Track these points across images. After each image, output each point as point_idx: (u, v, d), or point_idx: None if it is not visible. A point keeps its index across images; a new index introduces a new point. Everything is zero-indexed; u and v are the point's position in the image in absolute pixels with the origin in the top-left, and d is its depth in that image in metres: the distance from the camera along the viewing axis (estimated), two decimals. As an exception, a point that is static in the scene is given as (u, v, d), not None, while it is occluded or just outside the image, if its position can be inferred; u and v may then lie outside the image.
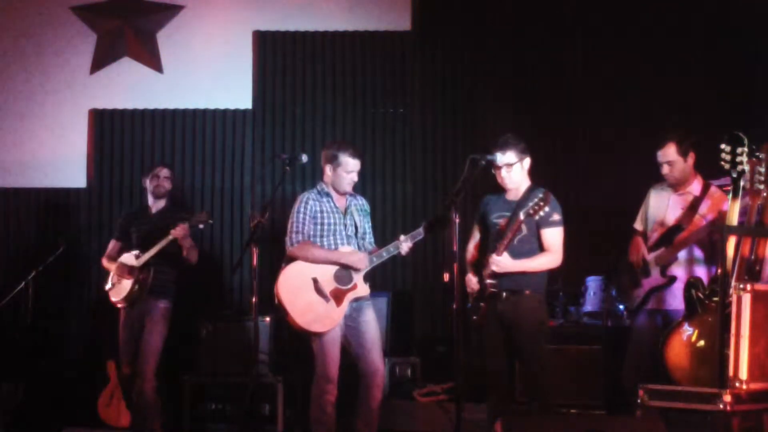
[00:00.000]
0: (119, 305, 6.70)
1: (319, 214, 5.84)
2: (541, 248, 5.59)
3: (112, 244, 6.97)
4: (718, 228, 5.27)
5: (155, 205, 6.92)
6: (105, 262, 6.93)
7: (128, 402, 6.96)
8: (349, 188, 5.91)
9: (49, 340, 8.18)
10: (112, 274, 6.76)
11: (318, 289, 5.73)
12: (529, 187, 5.63)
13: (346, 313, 5.78)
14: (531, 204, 5.35)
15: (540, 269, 5.58)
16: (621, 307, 6.78)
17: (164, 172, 6.92)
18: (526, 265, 5.50)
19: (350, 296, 5.78)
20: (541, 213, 5.35)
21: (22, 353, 7.66)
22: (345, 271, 5.79)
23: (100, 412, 7.34)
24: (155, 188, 6.88)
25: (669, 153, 5.70)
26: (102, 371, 7.42)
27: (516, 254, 5.49)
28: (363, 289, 5.83)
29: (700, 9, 7.80)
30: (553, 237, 5.56)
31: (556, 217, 5.54)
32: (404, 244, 5.80)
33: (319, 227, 5.84)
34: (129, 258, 6.67)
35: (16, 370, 7.66)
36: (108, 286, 6.76)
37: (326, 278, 5.75)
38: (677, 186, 5.77)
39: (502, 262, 5.44)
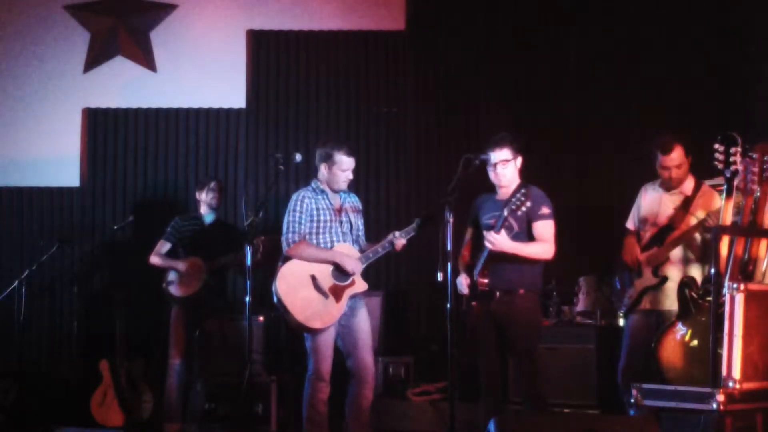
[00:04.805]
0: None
1: (315, 212, 5.83)
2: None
3: (161, 244, 7.17)
4: (708, 228, 5.28)
5: (208, 216, 7.22)
6: (158, 260, 7.12)
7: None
8: (344, 186, 5.91)
9: (42, 339, 8.17)
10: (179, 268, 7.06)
11: (317, 286, 5.72)
12: (518, 185, 5.62)
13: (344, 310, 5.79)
14: (513, 200, 5.38)
15: (533, 256, 5.55)
16: (615, 306, 6.78)
17: (217, 185, 7.25)
18: (520, 248, 5.48)
19: (349, 292, 5.78)
20: (523, 208, 5.36)
21: (16, 352, 7.65)
22: None
23: (93, 411, 7.32)
24: (211, 200, 7.19)
25: (677, 157, 5.62)
26: (95, 370, 7.41)
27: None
28: (361, 285, 5.83)
29: (697, 9, 7.81)
30: (544, 229, 5.56)
31: (546, 210, 5.56)
32: (398, 241, 5.82)
33: (315, 224, 5.83)
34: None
35: (9, 369, 7.65)
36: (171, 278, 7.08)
37: (324, 275, 5.75)
38: (673, 187, 5.75)
39: (499, 239, 5.42)
